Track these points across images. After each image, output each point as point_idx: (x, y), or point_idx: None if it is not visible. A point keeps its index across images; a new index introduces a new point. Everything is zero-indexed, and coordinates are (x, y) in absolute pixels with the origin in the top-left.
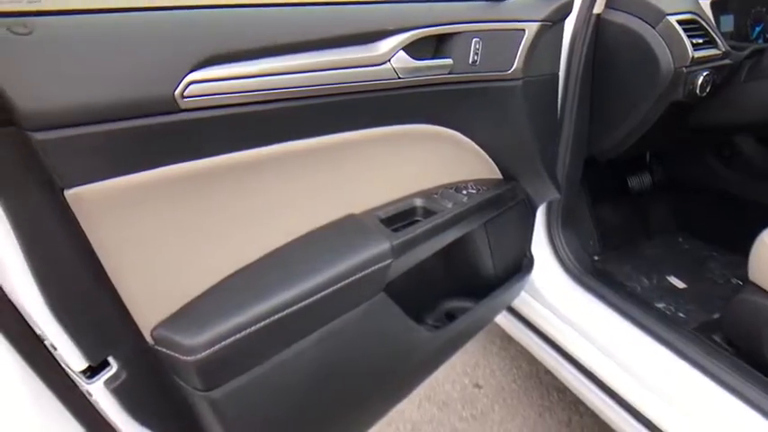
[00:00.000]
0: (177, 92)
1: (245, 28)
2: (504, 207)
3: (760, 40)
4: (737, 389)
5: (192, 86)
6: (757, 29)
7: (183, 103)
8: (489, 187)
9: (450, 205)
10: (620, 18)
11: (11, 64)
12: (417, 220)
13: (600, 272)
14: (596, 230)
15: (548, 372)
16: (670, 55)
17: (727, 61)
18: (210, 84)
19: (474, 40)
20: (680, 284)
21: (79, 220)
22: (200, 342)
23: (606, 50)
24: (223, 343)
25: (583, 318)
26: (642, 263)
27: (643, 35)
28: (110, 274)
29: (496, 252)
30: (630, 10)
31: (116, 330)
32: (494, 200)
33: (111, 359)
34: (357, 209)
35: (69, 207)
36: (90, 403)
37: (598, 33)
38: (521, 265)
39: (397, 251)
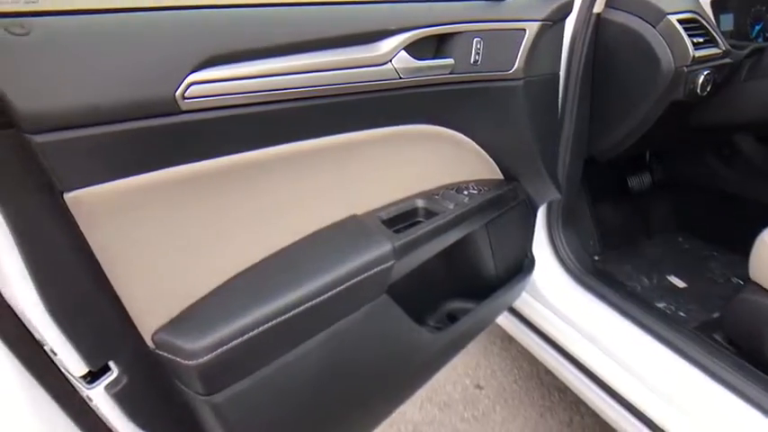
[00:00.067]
0: (178, 93)
1: (245, 28)
2: (505, 207)
3: (760, 39)
4: (738, 388)
5: (192, 87)
6: (757, 27)
7: (184, 105)
8: (490, 188)
9: (451, 206)
10: (620, 17)
11: (9, 65)
12: (419, 221)
13: (600, 272)
14: (596, 230)
15: (548, 372)
16: (671, 54)
17: (727, 60)
18: (211, 85)
19: (475, 39)
20: (680, 284)
21: (79, 223)
22: (201, 346)
23: (606, 50)
24: (225, 347)
25: (583, 318)
26: (642, 262)
27: (643, 34)
28: (110, 278)
29: (498, 253)
30: (631, 9)
31: (116, 335)
32: (495, 200)
33: (111, 364)
34: (358, 210)
35: (69, 210)
36: (90, 408)
37: (598, 33)
38: (522, 266)
39: (399, 253)
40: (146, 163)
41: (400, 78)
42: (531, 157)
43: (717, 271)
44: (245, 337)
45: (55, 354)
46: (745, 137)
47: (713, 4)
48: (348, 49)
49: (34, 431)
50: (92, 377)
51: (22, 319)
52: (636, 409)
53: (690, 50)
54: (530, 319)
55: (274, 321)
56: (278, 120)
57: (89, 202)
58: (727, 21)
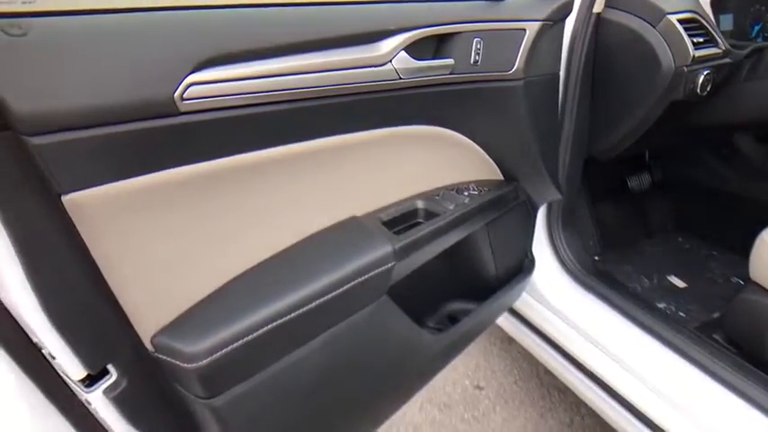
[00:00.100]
0: (177, 94)
1: (245, 29)
2: (505, 208)
3: (759, 39)
4: (739, 388)
5: (191, 88)
6: (756, 27)
7: (183, 106)
8: (490, 188)
9: (451, 207)
10: (620, 17)
11: (5, 66)
12: (419, 223)
13: (600, 272)
14: (596, 230)
15: (548, 372)
16: (671, 54)
17: (727, 60)
18: (210, 86)
19: (475, 39)
20: (680, 284)
21: (77, 225)
22: (201, 349)
23: (606, 50)
24: (225, 350)
25: (584, 318)
26: (642, 262)
27: (643, 34)
28: (108, 281)
29: (498, 253)
30: (630, 9)
31: (115, 338)
32: (495, 201)
33: (110, 367)
34: (358, 211)
35: (67, 213)
36: (89, 412)
37: (598, 33)
38: (522, 266)
39: (400, 254)
40: (144, 165)
41: (400, 79)
42: (532, 157)
43: (717, 271)
44: (245, 339)
45: (53, 357)
46: (745, 137)
47: (713, 4)
48: (348, 50)
49: None
50: (90, 381)
51: (20, 323)
52: (636, 409)
53: (690, 50)
54: (530, 320)
55: (274, 324)
56: (277, 121)
57: (87, 205)
58: (727, 21)
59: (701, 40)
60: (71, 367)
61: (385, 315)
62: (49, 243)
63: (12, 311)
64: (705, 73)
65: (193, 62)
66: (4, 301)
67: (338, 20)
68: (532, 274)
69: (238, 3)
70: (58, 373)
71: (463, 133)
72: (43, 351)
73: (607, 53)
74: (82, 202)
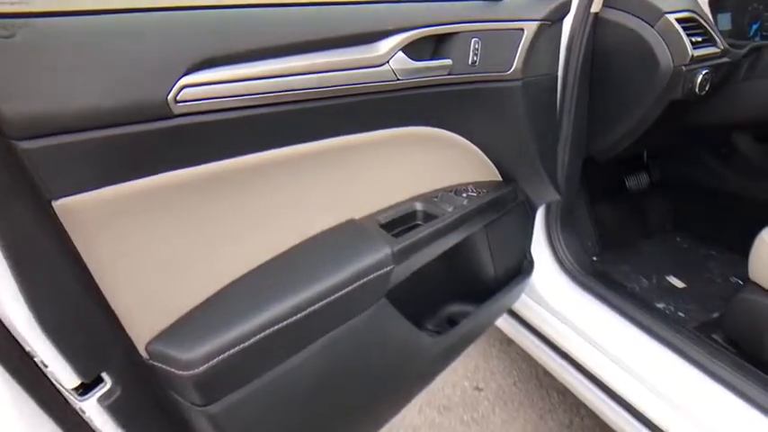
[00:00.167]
0: (170, 96)
1: (239, 29)
2: (504, 209)
3: (757, 38)
4: (738, 388)
5: (185, 90)
6: (754, 26)
7: (177, 108)
8: (489, 189)
9: (450, 209)
10: (618, 17)
11: None
12: (418, 225)
13: (599, 272)
14: (595, 231)
15: (548, 373)
16: (669, 54)
17: (725, 59)
18: (205, 88)
19: (473, 40)
20: (679, 284)
21: (68, 231)
22: (197, 356)
23: (604, 50)
24: (221, 356)
25: (583, 319)
26: (641, 263)
27: (642, 34)
28: (101, 287)
29: (497, 255)
30: (629, 8)
31: (109, 345)
32: (494, 202)
33: (104, 375)
34: (356, 213)
35: (58, 218)
36: (83, 421)
37: (596, 33)
38: (521, 268)
39: (399, 257)
40: (137, 169)
41: (398, 80)
42: (530, 158)
43: (715, 270)
44: (242, 345)
45: (46, 366)
46: (743, 136)
47: (711, 4)
48: (344, 50)
49: None
50: (84, 389)
51: (12, 331)
52: (636, 410)
53: (688, 50)
54: (529, 321)
55: (271, 329)
56: (273, 123)
57: (79, 210)
58: (725, 20)
59: (699, 39)
60: (64, 376)
61: (383, 318)
62: (40, 249)
63: (2, 319)
64: (704, 72)
65: (187, 64)
66: None
67: (334, 20)
68: (531, 276)
69: (232, 3)
70: (51, 381)
71: (461, 134)
72: (35, 359)
73: (605, 53)
74: (73, 208)
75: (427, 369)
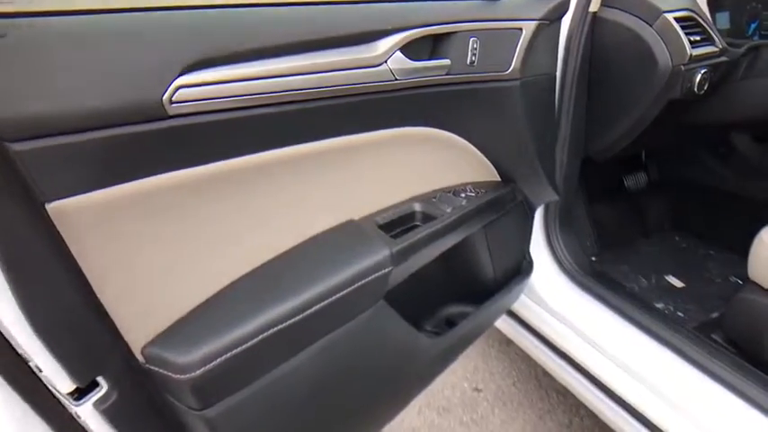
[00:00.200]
0: (165, 97)
1: (235, 29)
2: (502, 210)
3: (756, 37)
4: (738, 388)
5: (180, 91)
6: (753, 25)
7: (172, 109)
8: (488, 190)
9: (449, 209)
10: (616, 16)
11: None
12: (416, 226)
13: (598, 273)
14: (593, 231)
15: (547, 374)
16: (668, 53)
17: (724, 59)
18: (200, 88)
19: (471, 39)
20: (678, 284)
21: (62, 234)
22: (193, 360)
23: (603, 49)
24: (218, 360)
25: (582, 319)
26: (640, 262)
27: (640, 33)
28: (96, 291)
29: (496, 255)
30: (627, 8)
31: (105, 349)
32: (493, 203)
33: (100, 379)
34: (354, 214)
35: (51, 221)
36: (79, 425)
37: (594, 32)
38: (520, 268)
39: (397, 258)
40: (132, 171)
41: (396, 80)
42: (529, 158)
43: (714, 270)
44: (239, 348)
45: (40, 370)
46: (742, 135)
47: (709, 3)
48: (342, 50)
49: None
50: (80, 393)
51: (5, 335)
52: (635, 410)
53: (687, 49)
54: (528, 322)
55: (269, 332)
56: (269, 124)
57: (72, 213)
58: (723, 19)
59: (697, 38)
60: (59, 380)
61: (382, 320)
62: (34, 253)
63: None
64: (702, 72)
65: (182, 64)
66: None
67: (332, 20)
68: (530, 276)
69: (227, 3)
70: (45, 385)
71: (460, 134)
72: (30, 364)
73: (603, 52)
74: (67, 210)
75: (426, 370)
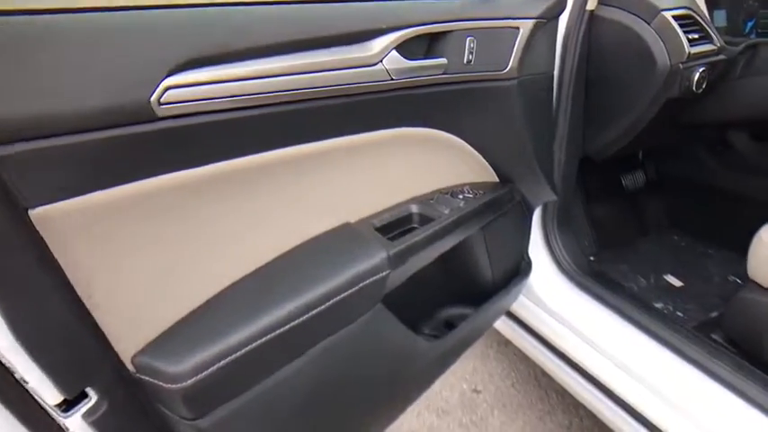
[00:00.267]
0: (153, 98)
1: (225, 29)
2: (501, 210)
3: (753, 35)
4: (739, 388)
5: (169, 92)
6: (749, 23)
7: (161, 111)
8: (486, 190)
9: (446, 211)
10: (613, 14)
11: None
12: (414, 228)
13: (597, 272)
14: (591, 230)
15: (546, 374)
16: (666, 51)
17: (722, 57)
18: (190, 89)
19: (468, 38)
20: (677, 283)
21: (47, 241)
22: (185, 369)
23: (600, 48)
24: (211, 368)
25: (581, 319)
26: (638, 262)
27: (638, 31)
28: (83, 299)
29: (494, 256)
30: (624, 6)
31: (93, 359)
32: (491, 203)
33: (89, 390)
34: (351, 217)
35: (35, 228)
36: None
37: (591, 30)
38: (519, 269)
39: (395, 261)
40: (120, 175)
41: (392, 80)
42: (527, 158)
43: (713, 269)
44: (233, 356)
45: (26, 382)
46: (739, 134)
47: (707, 0)
48: (336, 50)
49: None
50: (68, 405)
51: None
52: (635, 410)
53: (685, 47)
54: (526, 322)
55: (263, 339)
56: (261, 125)
57: (57, 219)
58: (720, 17)
59: (696, 36)
60: (45, 392)
61: (380, 324)
62: (17, 260)
63: None
64: (701, 70)
65: (170, 64)
66: None
67: (326, 18)
68: (529, 277)
69: (217, 2)
70: (32, 397)
71: (457, 135)
72: (15, 375)
73: (601, 51)
74: (51, 216)
75: (425, 374)
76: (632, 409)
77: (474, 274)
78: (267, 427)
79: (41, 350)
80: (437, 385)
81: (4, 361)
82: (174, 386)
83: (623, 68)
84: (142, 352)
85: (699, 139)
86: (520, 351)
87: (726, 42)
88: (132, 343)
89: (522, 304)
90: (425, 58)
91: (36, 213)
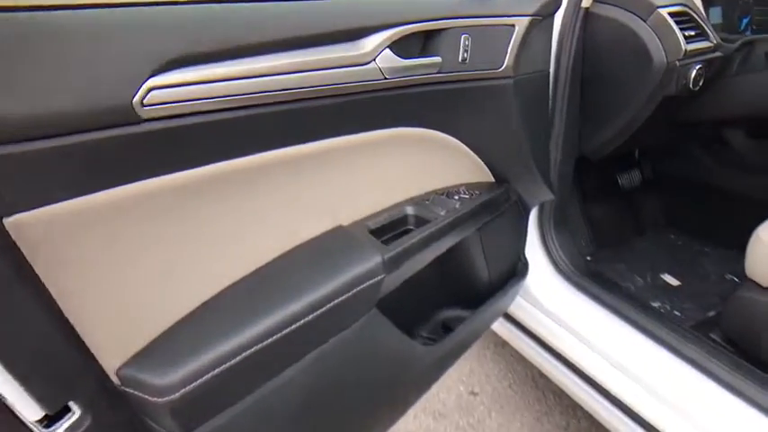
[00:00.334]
0: (136, 100)
1: (212, 26)
2: (497, 211)
3: (748, 32)
4: (737, 387)
5: (153, 93)
6: (745, 20)
7: (144, 113)
8: (482, 191)
9: (442, 212)
10: (609, 12)
11: None
12: (409, 230)
13: (593, 272)
14: (588, 230)
15: (543, 375)
16: (662, 49)
17: (718, 54)
18: (174, 89)
19: (463, 36)
20: (674, 282)
21: (24, 251)
22: (173, 381)
23: (596, 45)
24: (199, 380)
25: (578, 320)
26: (635, 261)
27: (634, 29)
28: (64, 310)
29: (491, 258)
30: (620, 3)
31: (76, 372)
32: (487, 204)
33: (72, 404)
34: (344, 220)
35: (10, 236)
36: None
37: (587, 28)
38: (515, 270)
39: (390, 265)
40: (100, 180)
41: (385, 79)
42: (523, 157)
43: (709, 267)
44: (222, 367)
45: (4, 398)
46: (735, 131)
47: None
48: (328, 48)
49: None
50: (49, 420)
51: None
52: (633, 411)
53: (682, 44)
54: (523, 323)
55: (254, 348)
56: (250, 127)
57: (34, 226)
58: (716, 14)
59: (692, 33)
60: (25, 408)
61: (375, 330)
62: None
63: None
64: (697, 67)
65: (154, 64)
66: None
67: (317, 16)
68: (526, 278)
69: None
70: (12, 412)
71: (452, 134)
72: None
73: (597, 49)
74: (28, 224)
75: (422, 379)
76: (630, 409)
77: (470, 275)
78: None
79: (20, 364)
80: (434, 387)
81: None
82: (160, 399)
83: (619, 66)
84: (127, 364)
85: (695, 138)
86: (517, 352)
87: (722, 39)
88: (117, 354)
89: (518, 305)
90: (420, 56)
91: (11, 222)
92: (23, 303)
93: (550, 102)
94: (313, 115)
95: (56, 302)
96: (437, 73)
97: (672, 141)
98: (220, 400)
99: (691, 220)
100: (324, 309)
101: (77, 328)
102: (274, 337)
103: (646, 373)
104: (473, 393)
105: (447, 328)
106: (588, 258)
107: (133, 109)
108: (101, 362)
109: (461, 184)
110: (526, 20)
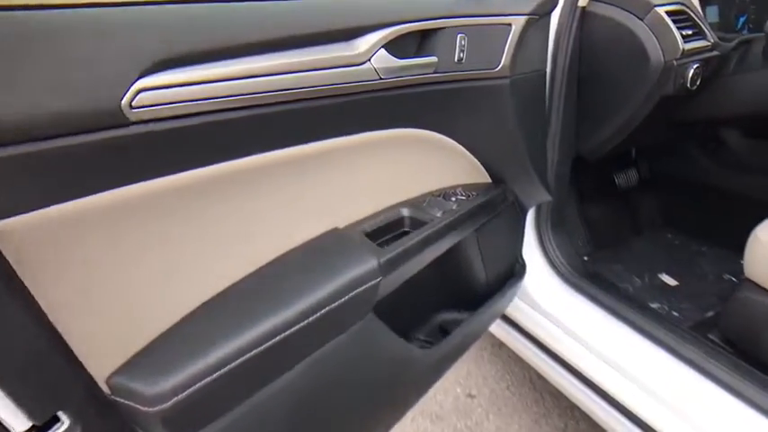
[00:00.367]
0: (124, 102)
1: (203, 26)
2: (494, 212)
3: (745, 31)
4: (736, 388)
5: (142, 95)
6: (741, 19)
7: (133, 115)
8: (478, 192)
9: (439, 214)
10: (606, 11)
11: None
12: (406, 232)
13: (591, 273)
14: (585, 230)
15: (541, 376)
16: (660, 48)
17: (715, 53)
18: (164, 91)
19: (459, 36)
20: (672, 282)
21: (8, 258)
22: (164, 390)
23: (593, 45)
24: (191, 388)
25: (576, 321)
26: (633, 261)
27: (631, 28)
28: (52, 318)
29: (488, 259)
30: (617, 2)
31: (65, 381)
32: (484, 205)
33: (61, 414)
34: (339, 223)
35: None
36: None
37: (584, 27)
38: (513, 271)
39: (386, 268)
40: (88, 184)
41: (380, 79)
42: (520, 158)
43: (707, 267)
44: (215, 375)
45: None
46: (732, 131)
47: None
48: (323, 48)
49: None
50: (38, 431)
51: None
52: (631, 412)
53: (679, 43)
54: (521, 325)
55: (249, 354)
56: (244, 129)
57: (18, 233)
58: (713, 13)
59: (689, 32)
60: (12, 419)
61: (371, 334)
62: None
63: None
64: (695, 66)
65: (143, 65)
66: None
67: (311, 15)
68: (524, 279)
69: None
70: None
71: (448, 135)
72: None
73: (593, 48)
74: (12, 230)
75: (419, 383)
76: (628, 411)
77: (468, 277)
78: None
79: (7, 373)
80: (431, 390)
81: None
82: (151, 409)
83: (616, 66)
84: (117, 372)
85: (691, 137)
86: (514, 354)
87: (719, 38)
88: (107, 363)
89: (516, 306)
90: (415, 56)
91: None
92: (9, 311)
93: (547, 101)
94: (307, 117)
95: (42, 310)
96: (433, 73)
97: (669, 141)
98: (213, 409)
99: (688, 220)
100: (319, 314)
101: (65, 337)
102: (268, 344)
103: (644, 374)
104: (471, 396)
105: (444, 330)
106: (585, 259)
107: (122, 111)
108: (90, 370)
109: (458, 186)
110: (523, 19)
